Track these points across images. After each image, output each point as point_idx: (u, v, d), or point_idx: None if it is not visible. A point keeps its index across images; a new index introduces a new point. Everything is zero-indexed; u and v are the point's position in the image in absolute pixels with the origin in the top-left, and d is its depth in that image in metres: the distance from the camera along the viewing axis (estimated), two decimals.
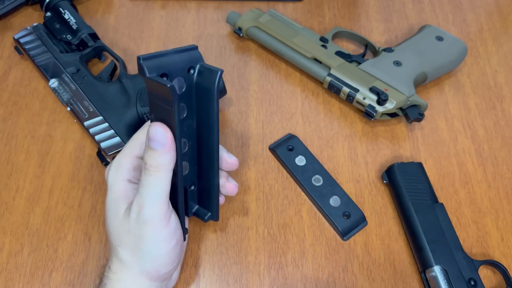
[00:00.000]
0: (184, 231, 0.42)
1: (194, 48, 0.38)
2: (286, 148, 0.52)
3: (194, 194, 0.43)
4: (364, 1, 0.67)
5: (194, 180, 0.42)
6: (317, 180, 0.50)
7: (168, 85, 0.33)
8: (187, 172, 0.41)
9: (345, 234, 0.48)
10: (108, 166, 0.42)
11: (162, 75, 0.35)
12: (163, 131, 0.36)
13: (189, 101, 0.38)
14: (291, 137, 0.53)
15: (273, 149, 0.53)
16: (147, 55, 0.34)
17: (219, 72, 0.36)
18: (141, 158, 0.40)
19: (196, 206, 0.44)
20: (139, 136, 0.42)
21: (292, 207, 0.50)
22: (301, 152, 0.52)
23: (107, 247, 0.47)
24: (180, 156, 0.37)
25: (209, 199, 0.42)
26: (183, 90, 0.37)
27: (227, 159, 0.43)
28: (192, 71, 0.38)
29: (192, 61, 0.37)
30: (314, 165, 0.51)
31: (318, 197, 0.49)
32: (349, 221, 0.48)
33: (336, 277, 0.46)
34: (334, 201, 0.49)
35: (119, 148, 0.49)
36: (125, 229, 0.38)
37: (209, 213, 0.43)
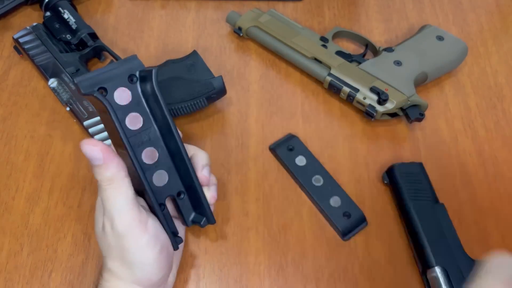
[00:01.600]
0: (177, 240, 0.41)
1: (134, 57, 0.38)
2: (286, 148, 0.52)
3: (187, 202, 0.43)
4: (364, 1, 0.67)
5: (181, 188, 0.42)
6: (318, 180, 0.50)
7: (94, 94, 0.35)
8: (166, 181, 0.41)
9: (345, 234, 0.48)
10: None
11: (100, 90, 0.36)
12: (93, 146, 0.36)
13: (141, 109, 0.38)
14: (291, 137, 0.53)
15: (273, 149, 0.53)
16: (84, 76, 0.36)
17: (154, 70, 0.37)
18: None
19: (193, 214, 0.43)
20: None
21: (292, 208, 0.50)
22: (302, 152, 0.52)
23: None
24: (137, 163, 0.37)
25: (200, 203, 0.42)
26: (130, 100, 0.38)
27: (198, 174, 0.41)
28: (134, 79, 0.38)
29: (131, 70, 0.38)
30: (315, 165, 0.51)
31: (318, 197, 0.49)
32: (349, 221, 0.48)
33: (336, 277, 0.46)
34: (335, 201, 0.49)
35: None
36: (107, 242, 0.38)
37: (204, 218, 0.42)
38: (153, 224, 0.38)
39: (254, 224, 0.48)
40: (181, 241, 0.42)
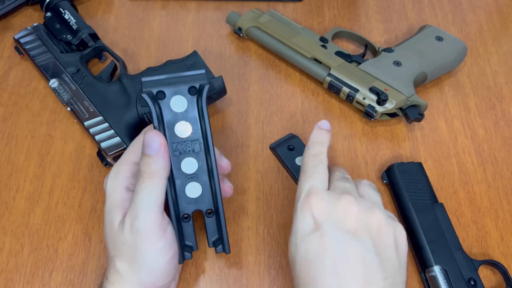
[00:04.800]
0: (186, 255, 0.41)
1: (202, 72, 0.40)
2: (286, 148, 0.52)
3: (213, 223, 0.42)
4: (364, 1, 0.68)
5: (211, 207, 0.42)
6: None
7: (142, 94, 0.38)
8: (198, 195, 0.41)
9: None
10: (107, 175, 0.41)
11: (158, 93, 0.39)
12: (156, 136, 0.37)
13: (192, 120, 0.40)
14: (292, 137, 0.53)
15: (273, 148, 0.53)
16: (151, 77, 0.39)
17: (206, 87, 0.39)
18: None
19: (216, 236, 0.43)
20: (137, 142, 0.41)
21: (292, 207, 0.50)
22: (302, 152, 0.52)
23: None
24: (173, 168, 0.39)
25: (220, 228, 0.42)
26: (185, 109, 0.39)
27: (219, 162, 0.43)
28: (194, 91, 0.40)
29: (194, 82, 0.39)
30: None
31: None
32: None
33: None
34: None
35: (119, 148, 0.49)
36: (121, 240, 0.38)
37: (220, 245, 0.42)
38: (171, 232, 0.39)
39: (254, 224, 0.49)
40: (189, 257, 0.41)
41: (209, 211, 0.42)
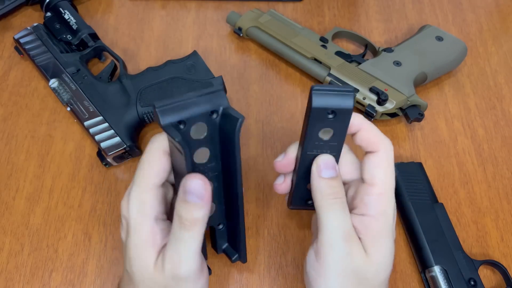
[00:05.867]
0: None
1: (221, 92, 0.35)
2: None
3: (224, 233, 0.43)
4: (364, 1, 0.67)
5: (222, 220, 0.42)
6: None
7: (177, 140, 0.32)
8: (213, 211, 0.40)
9: None
10: (125, 199, 0.36)
11: (179, 122, 0.33)
12: (202, 183, 0.33)
13: (212, 144, 0.36)
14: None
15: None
16: (163, 102, 0.33)
17: (240, 120, 0.34)
18: (162, 187, 0.37)
19: (226, 244, 0.43)
20: (154, 161, 0.36)
21: None
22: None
23: (107, 247, 0.47)
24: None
25: (237, 239, 0.42)
26: (205, 134, 0.35)
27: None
28: (215, 115, 0.35)
29: (214, 104, 0.35)
30: None
31: None
32: None
33: None
34: None
35: (119, 148, 0.49)
36: (158, 282, 0.35)
37: (237, 254, 0.43)
38: (206, 269, 0.37)
39: (254, 224, 0.49)
40: (209, 273, 0.40)
41: (219, 223, 0.42)
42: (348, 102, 0.34)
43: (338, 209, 0.36)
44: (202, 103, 0.34)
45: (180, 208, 0.33)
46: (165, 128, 0.32)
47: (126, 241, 0.36)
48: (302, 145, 0.37)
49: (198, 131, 0.35)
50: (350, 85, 0.54)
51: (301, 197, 0.41)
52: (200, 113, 0.34)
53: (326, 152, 0.37)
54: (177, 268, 0.34)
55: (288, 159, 0.39)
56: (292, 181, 0.41)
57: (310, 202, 0.42)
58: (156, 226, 0.35)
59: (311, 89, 0.33)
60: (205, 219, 0.34)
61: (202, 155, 0.36)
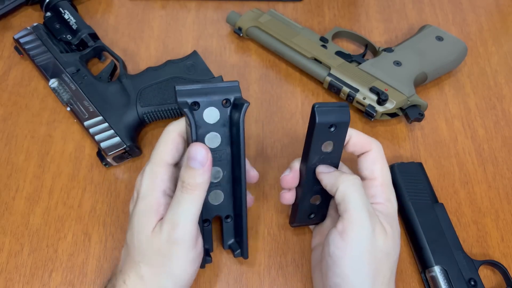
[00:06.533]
0: (207, 259, 0.42)
1: (236, 84, 0.40)
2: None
3: (231, 228, 0.44)
4: (364, 1, 0.67)
5: (231, 212, 0.43)
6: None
7: (185, 109, 0.37)
8: (220, 202, 0.42)
9: None
10: (140, 174, 0.40)
11: (193, 103, 0.39)
12: (204, 150, 0.37)
13: (223, 132, 0.40)
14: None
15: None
16: (185, 86, 0.38)
17: (246, 104, 0.38)
18: (174, 166, 0.40)
19: (232, 240, 0.45)
20: (169, 141, 0.40)
21: None
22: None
23: (107, 247, 0.47)
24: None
25: (240, 233, 0.43)
26: (217, 120, 0.40)
27: (249, 172, 0.43)
28: (228, 104, 0.40)
29: (228, 94, 0.39)
30: None
31: None
32: None
33: None
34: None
35: (119, 148, 0.49)
36: (153, 246, 0.37)
37: (239, 250, 0.44)
38: (201, 242, 0.39)
39: (254, 224, 0.48)
40: (210, 261, 0.43)
41: (227, 216, 0.44)
42: (346, 116, 0.39)
43: (361, 190, 0.38)
44: (218, 92, 0.39)
45: (184, 173, 0.37)
46: (180, 104, 0.37)
47: (133, 211, 0.39)
48: (307, 159, 0.40)
49: (211, 116, 0.39)
50: (350, 84, 0.54)
51: (305, 211, 0.44)
52: (213, 99, 0.39)
53: (327, 164, 0.41)
54: (173, 229, 0.36)
55: (294, 172, 0.42)
56: (296, 196, 0.43)
57: (312, 216, 0.45)
58: (163, 198, 0.38)
59: (313, 107, 0.38)
60: (205, 186, 0.37)
61: (213, 139, 0.40)
